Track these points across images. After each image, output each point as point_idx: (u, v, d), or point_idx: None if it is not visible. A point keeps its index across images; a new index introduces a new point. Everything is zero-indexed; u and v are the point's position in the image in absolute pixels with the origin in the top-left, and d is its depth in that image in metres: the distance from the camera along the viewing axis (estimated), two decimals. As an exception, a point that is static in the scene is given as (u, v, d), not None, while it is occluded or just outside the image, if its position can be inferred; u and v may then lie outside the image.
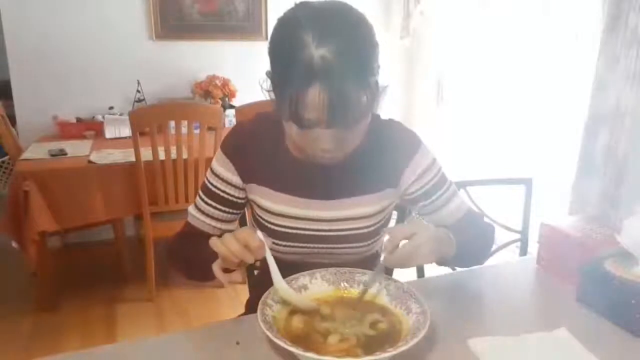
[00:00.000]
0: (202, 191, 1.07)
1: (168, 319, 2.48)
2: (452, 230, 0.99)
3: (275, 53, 0.85)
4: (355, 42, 0.81)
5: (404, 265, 0.88)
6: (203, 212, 1.07)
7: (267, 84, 0.91)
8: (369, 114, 0.87)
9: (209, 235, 1.06)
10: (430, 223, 1.10)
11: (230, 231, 1.07)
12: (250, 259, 0.84)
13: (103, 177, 2.39)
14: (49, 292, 2.53)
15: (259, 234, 0.86)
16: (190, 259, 1.04)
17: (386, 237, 0.89)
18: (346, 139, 0.88)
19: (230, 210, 1.07)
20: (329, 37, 0.78)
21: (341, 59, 0.78)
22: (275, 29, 0.85)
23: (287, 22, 0.84)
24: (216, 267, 0.89)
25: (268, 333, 0.78)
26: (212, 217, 1.07)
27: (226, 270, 0.89)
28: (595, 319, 0.97)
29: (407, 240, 0.87)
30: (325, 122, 0.83)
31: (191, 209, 1.09)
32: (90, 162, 2.43)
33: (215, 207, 1.06)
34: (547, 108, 2.79)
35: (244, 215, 1.34)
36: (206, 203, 1.06)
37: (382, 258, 0.90)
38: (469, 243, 1.02)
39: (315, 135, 0.86)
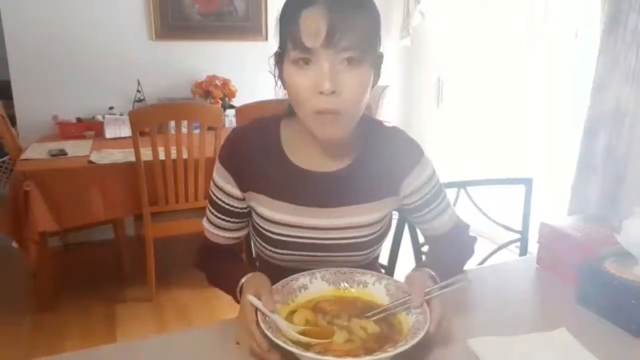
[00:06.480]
0: (209, 203, 1.06)
1: (168, 319, 2.48)
2: (438, 244, 1.11)
3: (283, 5, 0.90)
4: None
5: None
6: (214, 225, 1.06)
7: (274, 67, 0.94)
8: (367, 62, 0.87)
9: (225, 248, 1.09)
10: (421, 231, 1.15)
11: (241, 238, 1.11)
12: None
13: (103, 177, 2.39)
14: (49, 292, 2.53)
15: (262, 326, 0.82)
16: (214, 278, 1.08)
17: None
18: (344, 83, 0.85)
19: (237, 220, 1.06)
20: None
21: None
22: None
23: None
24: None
25: (268, 333, 0.78)
26: (223, 229, 1.06)
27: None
28: (595, 319, 0.97)
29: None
30: (324, 43, 0.83)
31: (204, 222, 1.09)
32: (90, 162, 2.43)
33: (222, 219, 1.05)
34: (547, 108, 2.79)
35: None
36: (214, 215, 1.05)
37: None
38: (454, 259, 1.07)
39: (315, 75, 0.85)
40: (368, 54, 0.87)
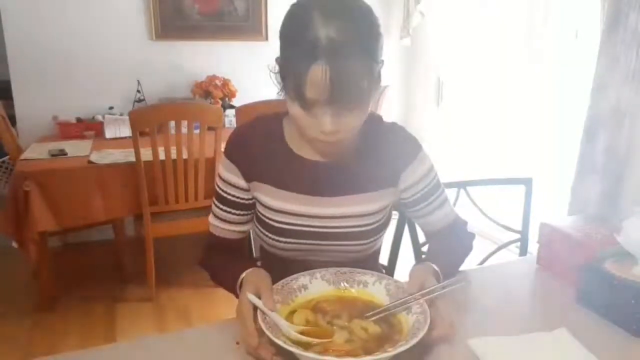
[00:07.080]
0: (215, 198, 1.09)
1: (168, 319, 2.48)
2: (438, 239, 1.12)
3: (284, 33, 0.89)
4: (361, 25, 0.85)
5: None
6: (220, 219, 1.09)
7: (276, 70, 0.93)
8: (368, 100, 0.90)
9: (229, 244, 1.10)
10: (420, 226, 1.17)
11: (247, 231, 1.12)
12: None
13: (103, 177, 2.39)
14: (49, 292, 2.53)
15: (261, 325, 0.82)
16: (217, 276, 1.08)
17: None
18: (345, 123, 0.89)
19: (244, 213, 1.08)
20: (337, 18, 0.82)
21: (347, 39, 0.82)
22: (287, 12, 0.89)
23: (297, 4, 0.89)
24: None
25: (268, 333, 0.78)
26: (229, 222, 1.08)
27: None
28: (595, 319, 0.97)
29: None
30: (327, 100, 0.84)
31: (210, 218, 1.11)
32: (90, 162, 2.43)
33: (229, 212, 1.07)
34: (547, 108, 2.79)
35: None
36: (220, 209, 1.08)
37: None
38: (453, 255, 1.09)
39: (317, 116, 0.88)
40: (369, 91, 0.88)
